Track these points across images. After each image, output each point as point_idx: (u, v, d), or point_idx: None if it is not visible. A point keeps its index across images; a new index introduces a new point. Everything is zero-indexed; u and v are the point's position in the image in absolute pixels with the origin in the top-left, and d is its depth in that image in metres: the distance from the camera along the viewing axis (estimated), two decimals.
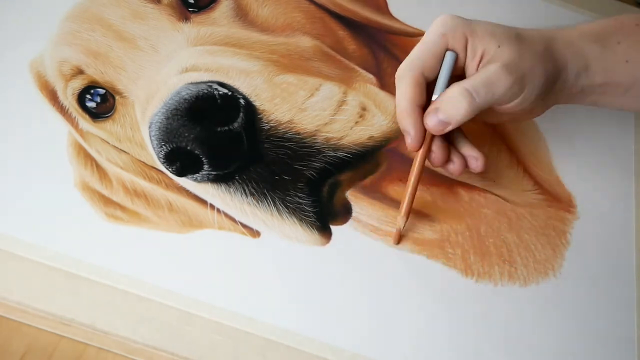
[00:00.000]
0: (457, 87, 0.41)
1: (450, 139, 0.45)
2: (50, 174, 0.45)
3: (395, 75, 0.42)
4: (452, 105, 0.41)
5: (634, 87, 0.45)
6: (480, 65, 0.42)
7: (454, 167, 0.44)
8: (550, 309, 0.46)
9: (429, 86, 0.42)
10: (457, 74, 0.43)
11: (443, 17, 0.43)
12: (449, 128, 0.42)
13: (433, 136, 0.43)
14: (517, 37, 0.42)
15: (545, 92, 0.43)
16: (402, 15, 0.57)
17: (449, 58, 0.42)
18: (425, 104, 0.42)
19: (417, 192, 0.45)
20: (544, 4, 0.62)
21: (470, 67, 0.43)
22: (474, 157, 0.44)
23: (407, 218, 0.44)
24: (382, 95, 0.50)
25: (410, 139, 0.42)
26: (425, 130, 0.42)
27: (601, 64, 0.44)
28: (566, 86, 0.44)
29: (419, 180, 0.44)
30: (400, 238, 0.46)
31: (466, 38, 0.42)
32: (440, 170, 0.47)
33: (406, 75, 0.42)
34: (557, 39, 0.44)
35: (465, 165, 0.44)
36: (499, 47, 0.41)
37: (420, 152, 0.43)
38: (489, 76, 0.41)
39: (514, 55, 0.41)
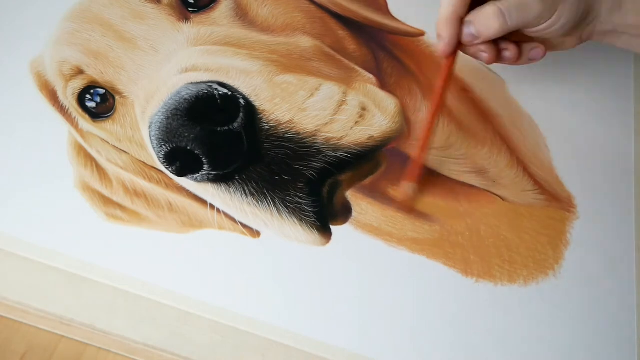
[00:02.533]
0: (492, 7, 0.43)
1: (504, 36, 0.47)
2: (51, 174, 0.45)
3: None
4: (484, 22, 0.44)
5: None
6: None
7: (510, 53, 0.47)
8: (550, 309, 0.46)
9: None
10: None
11: None
12: (478, 42, 0.45)
13: (462, 45, 0.46)
14: None
15: (577, 23, 0.45)
16: (402, 15, 0.57)
17: None
18: (465, 15, 0.45)
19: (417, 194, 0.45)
20: None
21: None
22: (535, 46, 0.47)
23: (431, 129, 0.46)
24: (382, 95, 0.49)
25: (443, 44, 0.45)
26: (456, 39, 0.45)
27: (635, 4, 0.46)
28: (598, 21, 0.46)
29: (445, 89, 0.46)
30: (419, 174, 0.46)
31: None
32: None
33: None
34: None
35: (521, 54, 0.47)
36: None
37: (448, 61, 0.46)
38: (523, 0, 0.43)
39: None
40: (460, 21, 0.45)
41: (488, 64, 0.47)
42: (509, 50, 0.47)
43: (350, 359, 0.42)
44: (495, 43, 0.46)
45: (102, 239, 0.43)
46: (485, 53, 0.46)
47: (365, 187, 0.48)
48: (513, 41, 0.47)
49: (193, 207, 0.45)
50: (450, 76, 0.46)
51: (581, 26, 0.46)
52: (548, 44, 0.47)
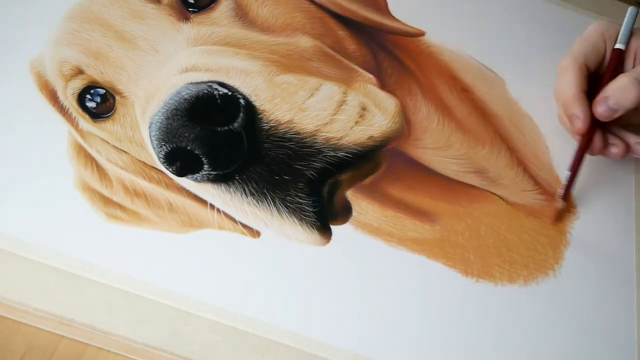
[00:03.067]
0: (626, 77, 0.45)
1: (609, 129, 0.49)
2: (50, 174, 0.45)
3: (559, 68, 0.48)
4: (621, 93, 0.45)
5: None
6: (636, 62, 0.47)
7: (617, 150, 0.48)
8: (550, 309, 0.46)
9: (589, 78, 0.47)
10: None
11: (599, 21, 0.49)
12: (617, 115, 0.46)
13: (595, 127, 0.47)
14: None
15: None
16: (402, 15, 0.57)
17: (631, 13, 0.48)
18: (587, 92, 0.47)
19: (418, 194, 0.45)
20: (543, 4, 0.62)
21: (627, 65, 0.48)
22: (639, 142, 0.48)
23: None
24: (382, 95, 0.49)
25: (580, 122, 0.46)
26: (592, 114, 0.46)
27: None
28: None
29: (581, 163, 0.48)
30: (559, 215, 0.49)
31: None
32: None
33: (572, 65, 0.47)
34: None
35: (628, 149, 0.49)
36: None
37: (584, 138, 0.47)
38: None
39: None
40: (586, 96, 0.46)
41: (617, 158, 0.49)
42: (616, 146, 0.48)
43: (350, 359, 0.42)
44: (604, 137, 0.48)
45: (102, 239, 0.43)
46: (617, 148, 0.48)
47: (365, 187, 0.48)
48: (619, 136, 0.49)
49: (193, 207, 0.45)
50: (584, 154, 0.48)
51: None
52: None
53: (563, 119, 0.50)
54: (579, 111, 0.46)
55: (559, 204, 0.49)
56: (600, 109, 0.46)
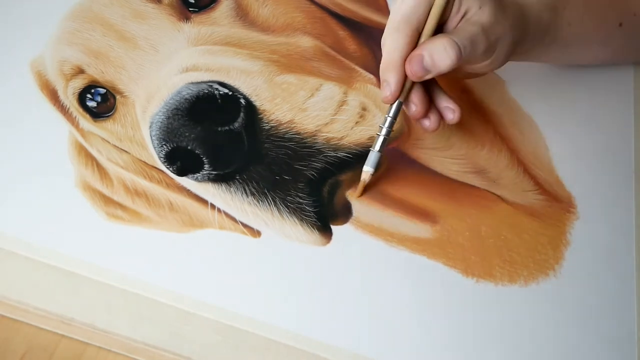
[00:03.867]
0: (445, 38, 0.41)
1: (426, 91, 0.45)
2: (51, 173, 0.45)
3: (389, 27, 0.42)
4: (439, 54, 0.41)
5: (572, 45, 0.51)
6: (460, 23, 0.43)
7: (430, 123, 0.45)
8: (550, 309, 0.46)
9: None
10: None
11: None
12: (429, 76, 0.42)
13: (411, 88, 0.43)
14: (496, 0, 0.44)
15: (509, 56, 0.46)
16: None
17: (440, 2, 0.43)
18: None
19: (418, 194, 0.45)
20: None
21: (451, 23, 0.43)
22: (451, 109, 0.45)
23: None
24: None
25: (390, 91, 0.42)
26: (403, 84, 0.43)
27: (553, 29, 0.48)
28: (524, 49, 0.47)
29: (389, 133, 0.44)
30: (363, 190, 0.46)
31: None
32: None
33: (404, 29, 0.42)
34: (526, 6, 0.46)
35: (441, 119, 0.45)
36: (480, 8, 0.43)
37: (395, 107, 0.44)
38: (472, 35, 0.42)
39: (492, 19, 0.43)
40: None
41: (430, 129, 0.45)
42: (430, 120, 0.45)
43: (351, 358, 0.42)
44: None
45: (102, 238, 0.43)
46: (415, 106, 0.44)
47: (365, 187, 0.48)
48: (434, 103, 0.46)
49: (194, 206, 0.45)
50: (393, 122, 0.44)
51: (510, 55, 0.46)
52: (476, 74, 0.47)
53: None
54: (392, 78, 0.42)
55: (365, 176, 0.45)
56: (414, 68, 0.42)
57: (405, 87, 0.43)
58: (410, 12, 0.42)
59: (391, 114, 0.44)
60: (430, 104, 0.45)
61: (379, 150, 0.45)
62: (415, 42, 0.42)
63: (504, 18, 0.43)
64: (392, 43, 0.42)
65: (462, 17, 0.43)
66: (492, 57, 0.44)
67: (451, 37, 0.41)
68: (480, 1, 0.43)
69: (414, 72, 0.42)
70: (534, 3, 0.47)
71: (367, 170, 0.45)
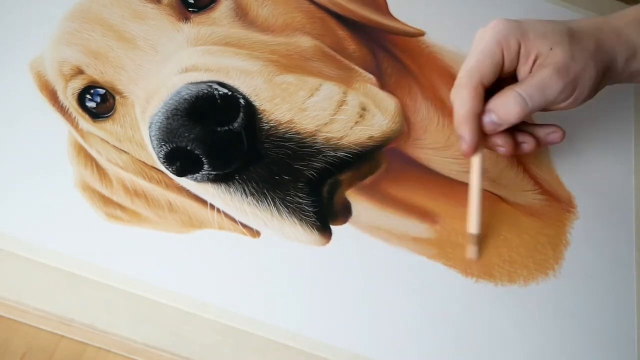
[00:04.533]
0: (510, 92, 0.43)
1: (518, 127, 0.46)
2: (51, 173, 0.45)
3: (455, 84, 0.44)
4: (504, 109, 0.43)
5: None
6: (534, 68, 0.43)
7: (528, 146, 0.46)
8: (550, 308, 0.46)
9: (485, 92, 0.44)
10: (508, 76, 0.44)
11: (496, 24, 0.44)
12: (501, 128, 0.44)
13: (488, 136, 0.45)
14: (568, 35, 0.44)
15: (598, 85, 0.45)
16: (402, 15, 0.57)
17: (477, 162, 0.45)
18: (481, 111, 0.44)
19: (418, 194, 0.45)
20: (543, 4, 0.62)
21: (523, 70, 0.44)
22: (553, 131, 0.46)
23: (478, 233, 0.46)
24: (382, 95, 0.50)
25: (466, 144, 0.44)
26: (479, 137, 0.44)
27: None
28: (616, 73, 0.46)
29: (481, 191, 0.45)
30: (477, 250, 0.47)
31: (519, 43, 0.43)
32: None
33: (467, 84, 0.43)
34: (605, 30, 0.45)
35: (539, 142, 0.46)
36: (551, 49, 0.43)
37: (477, 161, 0.45)
38: (541, 81, 0.42)
39: (566, 58, 0.43)
40: (478, 118, 0.44)
41: (507, 155, 0.47)
42: (527, 143, 0.46)
43: (351, 358, 0.42)
44: (512, 134, 0.46)
45: (102, 239, 0.43)
46: (503, 147, 0.45)
47: (365, 186, 0.48)
48: (529, 132, 0.47)
49: (193, 207, 0.45)
50: (482, 174, 0.45)
51: (600, 84, 0.45)
52: (569, 108, 0.46)
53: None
54: (466, 133, 0.43)
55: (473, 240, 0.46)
56: (485, 124, 0.44)
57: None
58: (474, 67, 0.43)
59: (476, 170, 0.45)
60: (518, 134, 0.46)
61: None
62: (481, 95, 0.43)
63: (580, 51, 0.43)
64: (459, 99, 0.43)
65: (533, 63, 0.43)
66: (575, 94, 0.43)
67: (516, 89, 0.42)
68: (549, 42, 0.43)
69: (487, 130, 0.44)
70: (619, 25, 0.45)
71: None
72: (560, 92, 0.42)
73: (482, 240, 0.47)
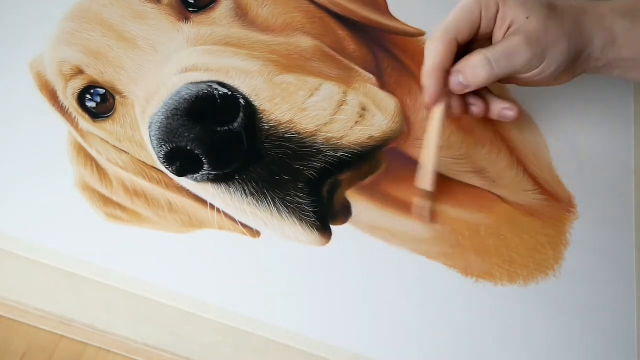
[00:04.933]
0: (479, 55, 0.43)
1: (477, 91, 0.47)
2: (51, 173, 0.45)
3: (432, 36, 0.45)
4: (472, 72, 0.44)
5: None
6: (507, 33, 0.44)
7: (477, 109, 0.47)
8: (550, 308, 0.46)
9: (458, 48, 0.45)
10: (484, 38, 0.45)
11: None
12: (468, 90, 0.45)
13: (450, 93, 0.46)
14: (548, 8, 0.44)
15: (568, 64, 0.45)
16: (402, 15, 0.57)
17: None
18: (450, 66, 0.45)
19: (418, 194, 0.45)
20: None
21: (497, 34, 0.45)
22: (507, 108, 0.47)
23: (431, 190, 0.46)
24: (382, 95, 0.50)
25: (429, 96, 0.45)
26: (442, 90, 0.45)
27: (629, 39, 0.46)
28: (592, 58, 0.46)
29: (439, 145, 0.46)
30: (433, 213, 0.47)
31: (498, 5, 0.44)
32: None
33: (441, 37, 0.44)
34: (588, 12, 0.45)
35: (487, 110, 0.48)
36: (527, 18, 0.43)
37: (438, 112, 0.46)
38: (509, 47, 0.43)
39: (539, 28, 0.43)
40: (446, 72, 0.45)
41: (478, 116, 0.48)
42: (476, 106, 0.47)
43: (351, 358, 0.42)
44: (465, 96, 0.47)
45: (102, 239, 0.43)
46: (477, 107, 0.47)
47: (365, 186, 0.48)
48: (482, 96, 0.47)
49: (193, 207, 0.45)
50: (443, 126, 0.46)
51: (574, 66, 0.46)
52: (538, 83, 0.47)
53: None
54: (430, 85, 0.45)
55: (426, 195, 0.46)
56: (452, 84, 0.45)
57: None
58: (450, 22, 0.44)
59: (436, 122, 0.46)
60: (470, 97, 0.47)
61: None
62: (453, 51, 0.44)
63: (556, 26, 0.43)
64: (430, 51, 0.45)
65: (508, 29, 0.44)
66: (542, 66, 0.44)
67: (485, 52, 0.43)
68: (527, 11, 0.43)
69: (453, 88, 0.45)
70: (603, 10, 0.46)
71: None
72: (527, 61, 0.43)
73: (435, 200, 0.46)
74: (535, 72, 0.44)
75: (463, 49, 0.45)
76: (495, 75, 0.44)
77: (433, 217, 0.47)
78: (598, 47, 0.45)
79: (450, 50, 0.44)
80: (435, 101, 0.45)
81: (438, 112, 0.46)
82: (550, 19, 0.43)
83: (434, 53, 0.44)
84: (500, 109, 0.47)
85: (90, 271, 0.42)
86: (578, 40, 0.44)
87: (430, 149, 0.45)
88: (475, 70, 0.44)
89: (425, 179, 0.45)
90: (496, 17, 0.44)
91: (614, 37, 0.45)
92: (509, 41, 0.43)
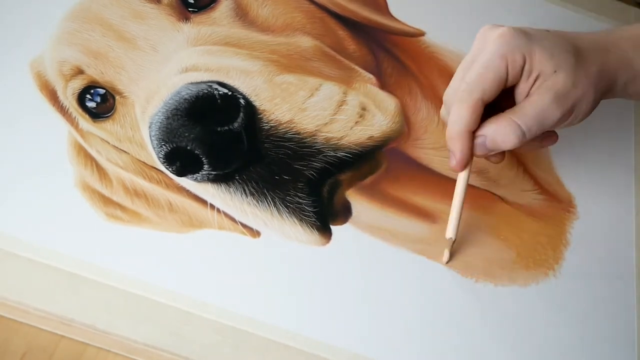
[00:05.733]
0: (508, 121, 0.41)
1: None
2: (51, 173, 0.45)
3: (455, 94, 0.42)
4: (501, 138, 0.42)
5: None
6: (533, 88, 0.42)
7: (495, 159, 0.46)
8: (550, 309, 0.46)
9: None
10: (506, 88, 0.43)
11: (504, 33, 0.42)
12: (491, 154, 0.44)
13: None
14: (574, 56, 0.42)
15: (594, 108, 0.44)
16: (402, 15, 0.57)
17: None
18: (477, 128, 0.42)
19: (418, 194, 0.45)
20: (543, 4, 0.62)
21: (523, 87, 0.42)
22: (546, 136, 0.45)
23: (455, 238, 0.45)
24: (382, 95, 0.50)
25: (456, 161, 0.43)
26: (470, 154, 0.43)
27: None
28: (612, 94, 0.45)
29: (464, 200, 0.45)
30: (450, 256, 0.46)
31: (524, 58, 0.41)
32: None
33: (466, 99, 0.41)
34: (611, 50, 0.44)
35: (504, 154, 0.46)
36: (554, 72, 0.41)
37: (464, 173, 0.44)
38: (540, 111, 0.41)
39: (568, 84, 0.41)
40: (472, 135, 0.42)
41: (497, 163, 0.46)
42: (496, 157, 0.46)
43: (351, 358, 0.42)
44: None
45: (102, 239, 0.43)
46: (495, 157, 0.45)
47: (365, 186, 0.48)
48: None
49: (193, 207, 0.45)
50: (466, 190, 0.45)
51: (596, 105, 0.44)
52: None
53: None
54: (457, 151, 0.42)
55: (448, 244, 0.46)
56: (478, 148, 0.43)
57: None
58: (475, 83, 0.41)
59: (461, 184, 0.45)
60: None
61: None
62: (479, 113, 0.42)
63: (583, 77, 0.42)
64: (455, 114, 0.42)
65: (534, 82, 0.42)
66: (570, 119, 0.43)
67: (514, 119, 0.41)
68: (554, 64, 0.41)
69: (478, 153, 0.43)
70: (626, 47, 0.44)
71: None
72: (557, 120, 0.42)
73: (456, 246, 0.46)
74: (564, 124, 0.43)
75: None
76: (526, 141, 0.42)
77: (450, 258, 0.47)
78: (621, 85, 0.44)
79: (477, 112, 0.41)
80: (464, 166, 0.43)
81: (463, 175, 0.44)
82: (578, 70, 0.42)
83: (460, 117, 0.41)
84: (541, 139, 0.45)
85: (90, 271, 0.42)
86: (604, 85, 0.43)
87: (455, 205, 0.45)
88: (505, 137, 0.41)
89: (449, 229, 0.45)
90: (522, 69, 0.42)
91: (635, 74, 0.44)
92: (537, 103, 0.41)
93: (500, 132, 0.41)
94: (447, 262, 0.46)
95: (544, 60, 0.41)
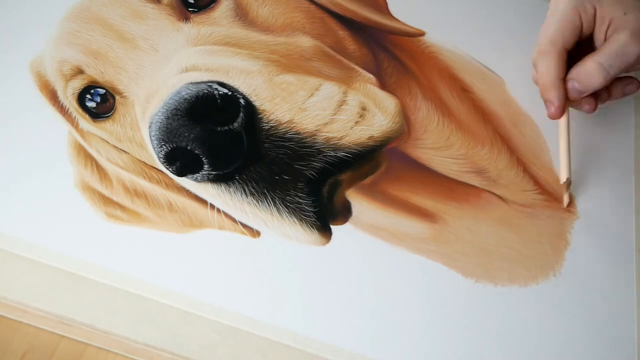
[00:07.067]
0: (592, 62, 0.46)
1: None
2: (50, 173, 0.45)
3: (538, 52, 0.48)
4: (588, 79, 0.46)
5: None
6: (609, 32, 0.47)
7: (589, 106, 0.49)
8: (550, 309, 0.46)
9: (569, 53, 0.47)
10: (584, 39, 0.48)
11: None
12: (584, 95, 0.48)
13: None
14: None
15: None
16: (402, 15, 0.57)
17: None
18: (565, 75, 0.47)
19: (418, 194, 0.45)
20: (544, 4, 0.62)
21: (599, 34, 0.47)
22: (628, 83, 0.50)
23: (570, 180, 0.49)
24: (382, 95, 0.49)
25: (554, 108, 0.47)
26: (565, 100, 0.47)
27: None
28: None
29: (569, 141, 0.49)
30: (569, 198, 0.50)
31: (594, 7, 0.46)
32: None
33: (551, 50, 0.47)
34: None
35: (612, 95, 0.50)
36: (625, 14, 0.46)
37: (564, 118, 0.48)
38: (619, 47, 0.45)
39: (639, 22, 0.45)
40: (563, 82, 0.47)
41: (590, 112, 0.50)
42: (589, 104, 0.49)
43: (351, 358, 0.42)
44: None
45: (102, 238, 0.43)
46: (587, 105, 0.49)
47: (365, 186, 0.48)
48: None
49: (193, 207, 0.45)
50: (569, 132, 0.48)
51: None
52: None
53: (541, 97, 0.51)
54: (554, 98, 0.47)
55: (565, 197, 0.50)
56: (571, 91, 0.47)
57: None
58: (555, 33, 0.47)
59: (564, 127, 0.49)
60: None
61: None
62: (565, 60, 0.47)
63: None
64: (544, 67, 0.47)
65: (608, 27, 0.46)
66: None
67: (597, 58, 0.46)
68: (623, 7, 0.46)
69: (572, 96, 0.47)
70: None
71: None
72: (638, 55, 0.45)
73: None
74: None
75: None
76: (611, 77, 0.46)
77: (570, 203, 0.50)
78: None
79: (562, 59, 0.46)
80: (563, 113, 0.48)
81: (564, 120, 0.48)
82: None
83: (549, 68, 0.46)
84: (624, 85, 0.49)
85: (90, 271, 0.42)
86: None
87: (563, 147, 0.49)
88: (591, 76, 0.46)
89: (562, 171, 0.49)
90: (595, 17, 0.46)
91: None
92: (615, 41, 0.45)
93: (587, 73, 0.46)
94: (567, 206, 0.50)
95: (613, 5, 0.46)
